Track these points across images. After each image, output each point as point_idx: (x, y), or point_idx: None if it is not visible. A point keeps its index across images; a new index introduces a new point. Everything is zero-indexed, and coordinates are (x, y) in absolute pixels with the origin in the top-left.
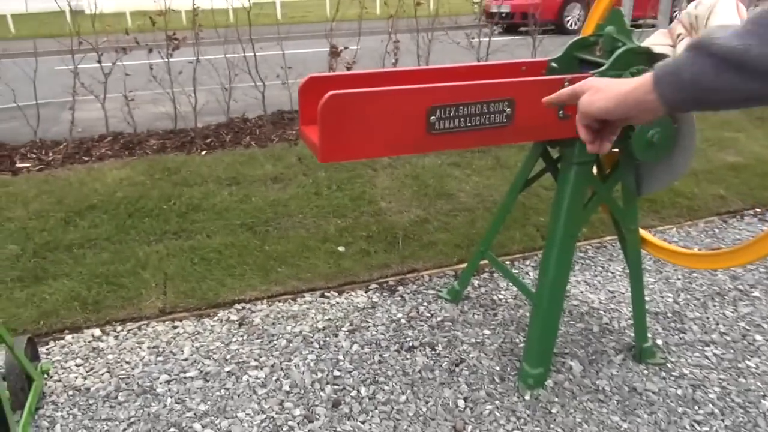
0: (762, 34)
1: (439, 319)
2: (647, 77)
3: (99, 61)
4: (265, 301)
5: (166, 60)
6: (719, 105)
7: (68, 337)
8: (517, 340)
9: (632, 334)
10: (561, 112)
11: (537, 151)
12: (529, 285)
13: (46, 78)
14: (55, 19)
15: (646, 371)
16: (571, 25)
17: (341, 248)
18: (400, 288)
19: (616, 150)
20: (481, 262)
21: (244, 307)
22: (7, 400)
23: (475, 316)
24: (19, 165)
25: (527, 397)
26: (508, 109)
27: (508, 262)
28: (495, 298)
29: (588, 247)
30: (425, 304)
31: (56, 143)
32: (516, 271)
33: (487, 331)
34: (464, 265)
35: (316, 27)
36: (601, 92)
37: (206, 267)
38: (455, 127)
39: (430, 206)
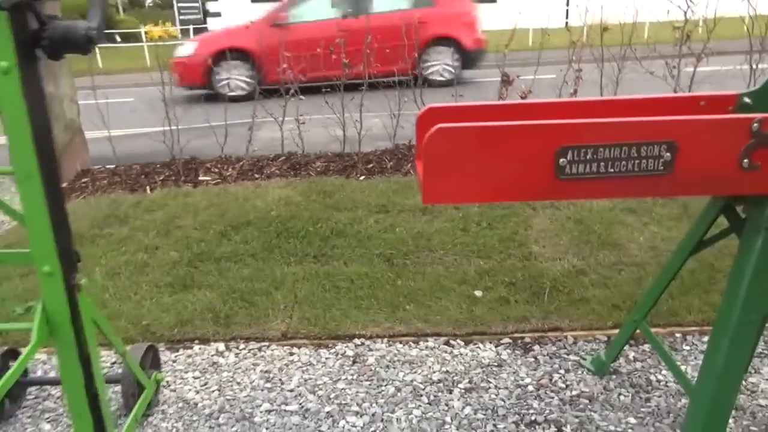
0: None
1: (574, 392)
2: None
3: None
4: (385, 339)
5: (340, 85)
6: None
7: (196, 348)
8: None
9: None
10: (746, 160)
11: (717, 205)
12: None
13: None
14: None
15: None
16: (227, 89)
17: (478, 293)
18: (536, 347)
19: None
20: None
21: (362, 343)
22: (107, 406)
23: (622, 397)
24: (201, 178)
25: None
26: (667, 154)
27: (679, 334)
28: (653, 378)
29: None
30: (562, 371)
31: (239, 159)
32: (687, 348)
33: (632, 420)
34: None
35: (517, 55)
36: None
37: (335, 295)
38: (592, 172)
39: (590, 256)
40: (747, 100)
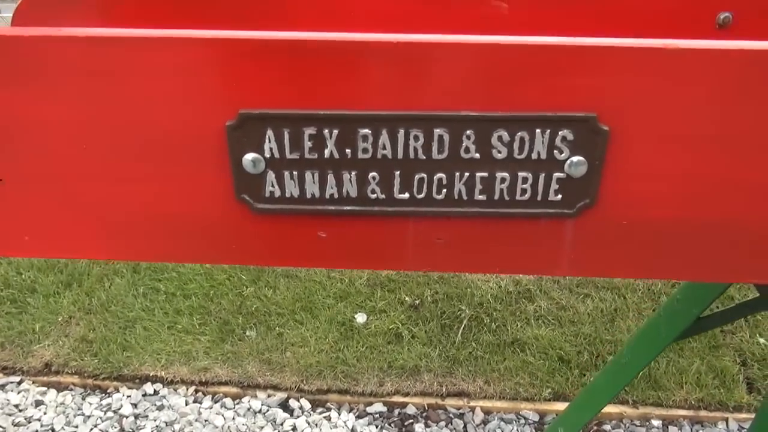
0: None
1: None
2: None
3: None
4: None
5: None
6: None
7: None
8: None
9: None
10: None
11: None
12: None
13: None
14: None
15: None
16: None
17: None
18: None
19: None
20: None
21: None
22: None
23: None
24: None
25: None
26: (574, 158)
27: (657, 422)
28: None
29: None
30: None
31: None
32: None
33: None
34: (562, 407)
35: None
36: None
37: None
38: (347, 203)
39: None
40: None
